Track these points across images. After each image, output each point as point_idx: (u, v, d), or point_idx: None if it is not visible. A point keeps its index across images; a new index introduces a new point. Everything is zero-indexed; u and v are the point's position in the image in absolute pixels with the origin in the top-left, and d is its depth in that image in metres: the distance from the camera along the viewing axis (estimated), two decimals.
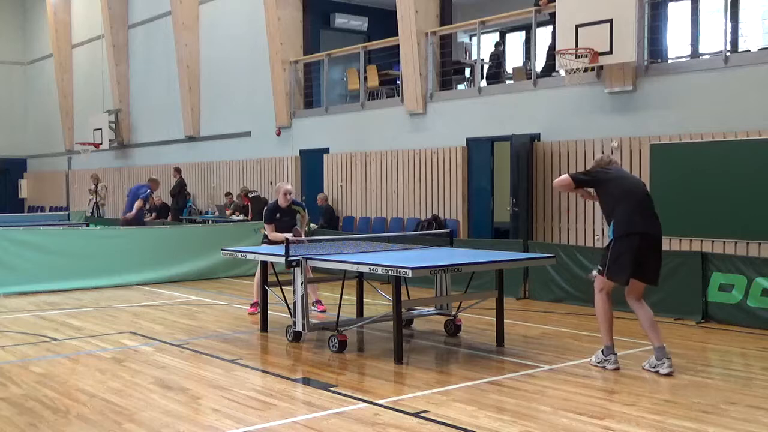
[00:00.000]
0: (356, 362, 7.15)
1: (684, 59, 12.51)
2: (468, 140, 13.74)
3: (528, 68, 13.96)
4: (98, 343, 8.00)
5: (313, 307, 9.52)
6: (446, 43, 14.80)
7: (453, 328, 8.24)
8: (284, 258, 7.56)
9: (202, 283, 12.75)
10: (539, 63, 13.01)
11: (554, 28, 11.80)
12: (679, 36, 13.34)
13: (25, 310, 10.20)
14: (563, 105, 12.26)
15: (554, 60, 11.71)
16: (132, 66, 24.03)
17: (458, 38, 17.35)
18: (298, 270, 7.56)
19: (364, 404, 5.62)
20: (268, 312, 8.59)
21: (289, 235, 9.05)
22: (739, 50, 12.17)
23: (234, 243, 12.19)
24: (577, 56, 10.94)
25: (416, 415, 5.33)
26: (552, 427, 5.06)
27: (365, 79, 16.09)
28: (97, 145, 23.58)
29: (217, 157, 19.98)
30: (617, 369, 6.56)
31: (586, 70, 11.19)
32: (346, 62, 17.62)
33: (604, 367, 6.62)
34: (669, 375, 6.35)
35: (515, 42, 19.50)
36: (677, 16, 13.51)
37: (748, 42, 12.72)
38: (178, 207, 20.03)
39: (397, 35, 14.68)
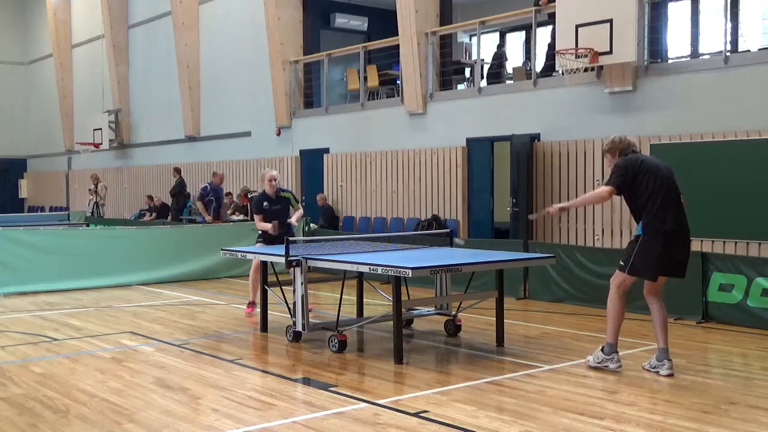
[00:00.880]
0: (356, 362, 7.15)
1: (684, 59, 12.51)
2: (468, 140, 13.74)
3: (528, 68, 13.96)
4: (98, 343, 8.00)
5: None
6: (446, 43, 14.81)
7: (453, 328, 8.23)
8: (284, 258, 7.56)
9: (202, 283, 12.75)
10: (539, 63, 13.01)
11: (554, 28, 11.81)
12: (679, 36, 13.34)
13: (25, 310, 10.19)
14: (563, 105, 12.26)
15: (554, 60, 11.71)
16: (132, 66, 24.03)
17: (458, 38, 17.36)
18: (298, 270, 7.56)
19: (364, 404, 5.62)
20: (268, 312, 8.59)
21: (276, 223, 9.03)
22: (739, 50, 12.16)
23: (234, 243, 12.16)
24: (577, 56, 10.95)
25: (416, 415, 5.33)
26: (552, 427, 5.06)
27: (365, 79, 16.10)
28: (97, 145, 23.58)
29: (217, 157, 19.98)
30: (620, 367, 6.48)
31: (586, 70, 11.20)
32: (346, 62, 17.62)
33: (606, 366, 6.50)
34: (669, 376, 6.35)
35: (515, 42, 19.49)
36: (677, 16, 13.50)
37: (748, 42, 12.72)
38: (178, 207, 20.03)
39: (397, 35, 14.68)
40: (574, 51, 10.93)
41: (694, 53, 12.98)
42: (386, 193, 15.12)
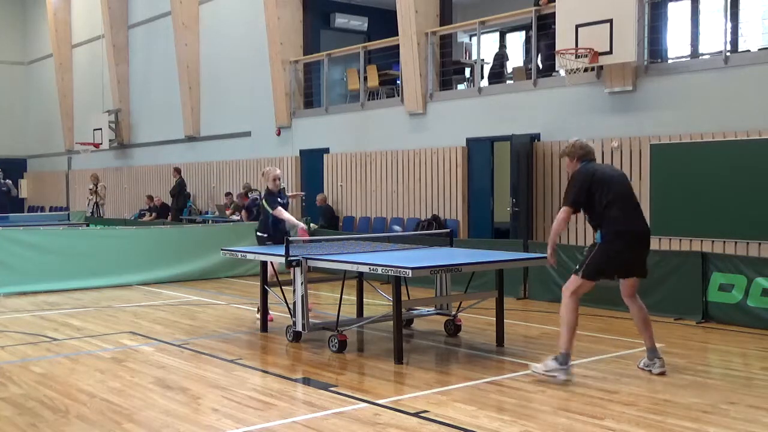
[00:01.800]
0: (356, 362, 7.15)
1: (684, 59, 12.50)
2: (468, 140, 13.74)
3: (528, 68, 13.96)
4: (98, 343, 8.00)
5: None
6: (446, 43, 14.80)
7: (453, 328, 8.24)
8: (284, 258, 7.56)
9: (202, 283, 12.75)
10: (539, 63, 13.00)
11: (553, 28, 11.80)
12: (679, 36, 13.33)
13: (25, 310, 10.19)
14: (563, 105, 12.26)
15: (554, 60, 11.71)
16: (132, 66, 24.03)
17: (458, 38, 17.35)
18: (298, 270, 7.56)
19: (364, 404, 5.62)
20: (268, 312, 8.59)
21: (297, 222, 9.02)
22: (739, 50, 12.16)
23: (234, 243, 12.17)
24: (577, 56, 10.94)
25: (416, 415, 5.33)
26: (552, 427, 5.06)
27: (365, 79, 16.09)
28: (97, 145, 23.58)
29: (217, 157, 19.98)
30: (570, 380, 6.16)
31: (586, 70, 11.19)
32: (346, 62, 17.61)
33: (555, 377, 6.17)
34: (661, 375, 6.33)
35: (515, 42, 19.48)
36: (677, 16, 13.48)
37: (748, 42, 12.71)
38: (178, 207, 20.04)
39: (397, 35, 14.68)
40: (574, 51, 10.93)
41: (694, 53, 12.97)
42: (386, 193, 15.12)
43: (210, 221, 17.92)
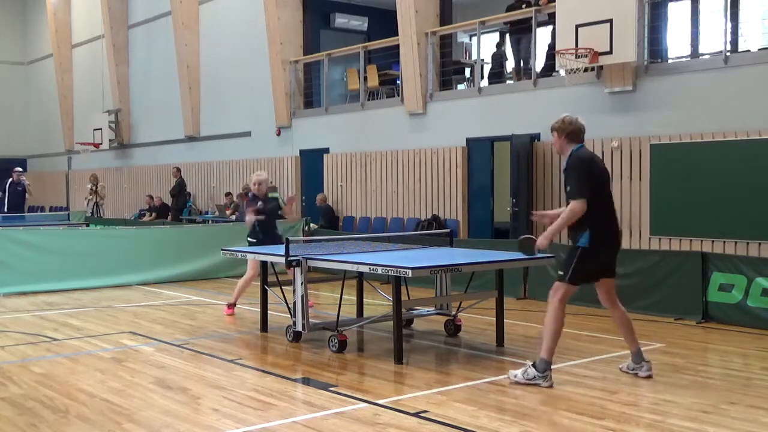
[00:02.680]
0: (356, 362, 7.15)
1: (684, 59, 12.50)
2: (468, 140, 13.74)
3: (528, 67, 13.96)
4: (98, 343, 8.00)
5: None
6: (446, 43, 14.80)
7: (453, 328, 8.24)
8: (284, 258, 7.56)
9: (202, 283, 12.75)
10: (539, 63, 13.00)
11: (554, 28, 11.80)
12: (679, 36, 13.33)
13: (25, 310, 10.19)
14: (563, 105, 12.20)
15: (554, 60, 11.71)
16: (132, 66, 24.03)
17: (458, 38, 17.35)
18: (298, 270, 7.55)
19: (364, 404, 5.62)
20: (268, 312, 8.58)
21: (253, 215, 9.12)
22: (739, 50, 12.16)
23: (234, 243, 12.15)
24: (577, 56, 10.94)
25: (416, 415, 5.33)
26: (552, 427, 5.06)
27: (365, 79, 16.09)
28: (97, 145, 23.58)
29: (217, 157, 19.98)
30: (551, 387, 6.01)
31: (586, 70, 11.19)
32: (346, 62, 17.61)
33: (537, 384, 6.01)
34: (648, 378, 6.28)
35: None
36: (677, 16, 13.49)
37: (748, 42, 12.71)
38: (178, 207, 20.04)
39: (397, 35, 14.68)
40: (574, 51, 10.93)
41: (694, 53, 12.98)
42: (386, 193, 15.12)
43: (210, 221, 17.93)
